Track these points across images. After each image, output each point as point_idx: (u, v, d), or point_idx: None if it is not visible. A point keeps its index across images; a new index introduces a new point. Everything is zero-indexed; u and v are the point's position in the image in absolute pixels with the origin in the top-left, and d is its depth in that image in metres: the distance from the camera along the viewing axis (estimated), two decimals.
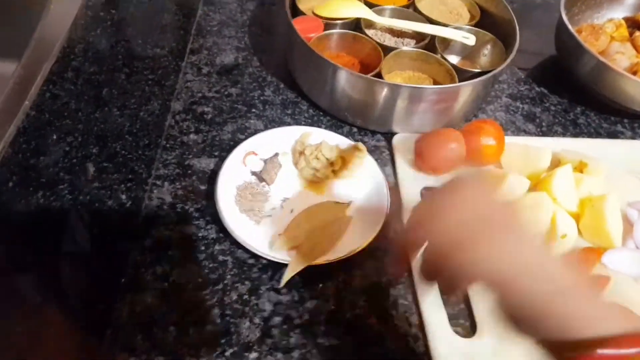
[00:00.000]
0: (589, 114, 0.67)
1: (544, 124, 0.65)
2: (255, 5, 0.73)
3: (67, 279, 0.43)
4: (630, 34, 0.70)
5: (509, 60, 0.59)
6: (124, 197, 0.49)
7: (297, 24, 0.61)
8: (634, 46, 0.68)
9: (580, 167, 0.54)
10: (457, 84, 0.56)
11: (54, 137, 0.52)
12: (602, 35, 0.66)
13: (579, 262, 0.49)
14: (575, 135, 0.64)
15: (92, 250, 0.46)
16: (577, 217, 0.52)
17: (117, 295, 0.43)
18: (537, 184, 0.53)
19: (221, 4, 0.72)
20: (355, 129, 0.60)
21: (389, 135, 0.59)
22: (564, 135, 0.64)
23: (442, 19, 0.67)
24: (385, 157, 0.58)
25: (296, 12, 0.64)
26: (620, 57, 0.65)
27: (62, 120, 0.53)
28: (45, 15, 0.66)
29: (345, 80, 0.56)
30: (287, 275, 0.44)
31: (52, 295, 0.42)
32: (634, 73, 0.62)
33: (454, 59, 0.67)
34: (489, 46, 0.66)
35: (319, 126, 0.59)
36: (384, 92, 0.56)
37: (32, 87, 0.57)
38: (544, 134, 0.63)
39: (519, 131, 0.63)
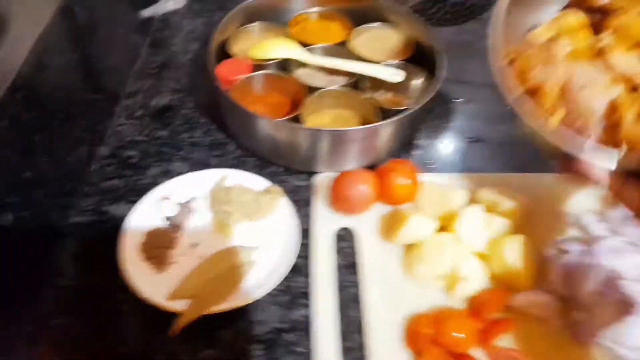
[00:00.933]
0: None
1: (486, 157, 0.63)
2: (199, 45, 0.75)
3: None
4: (595, 28, 0.46)
5: (431, 95, 0.59)
6: (34, 246, 0.50)
7: (224, 67, 0.62)
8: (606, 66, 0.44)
9: (493, 207, 0.53)
10: (369, 126, 0.56)
11: None
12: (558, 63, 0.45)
13: (482, 304, 0.48)
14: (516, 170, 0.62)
15: None
16: (487, 258, 0.51)
17: (20, 345, 0.44)
18: (447, 223, 0.52)
19: (165, 46, 0.74)
20: (281, 169, 0.60)
21: (312, 175, 0.60)
22: (504, 170, 0.62)
23: (376, 55, 0.67)
24: (307, 197, 0.58)
25: (228, 55, 0.66)
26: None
27: None
28: None
29: (263, 126, 0.57)
30: (177, 324, 0.45)
31: None
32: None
33: (387, 94, 0.67)
34: (420, 80, 0.66)
35: (245, 167, 0.60)
36: (300, 136, 0.56)
37: None
38: (479, 169, 0.62)
39: (450, 167, 0.63)
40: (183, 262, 0.50)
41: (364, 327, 0.47)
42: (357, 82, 0.64)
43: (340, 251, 0.53)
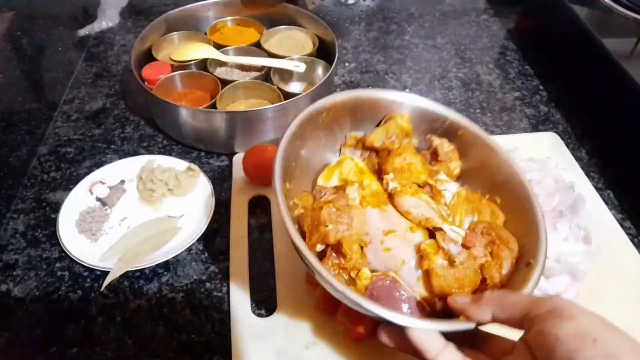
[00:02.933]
0: None
1: None
2: (129, 56, 0.83)
3: None
4: (379, 169, 0.50)
5: (325, 78, 0.68)
6: None
7: (147, 69, 0.70)
8: (395, 206, 0.46)
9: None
10: (280, 104, 0.65)
11: None
12: (349, 210, 0.44)
13: None
14: None
15: None
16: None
17: None
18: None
19: (99, 59, 0.82)
20: (203, 154, 0.68)
21: (232, 156, 0.68)
22: None
23: (286, 52, 0.77)
24: (226, 175, 0.66)
25: (154, 60, 0.74)
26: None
27: None
28: None
29: (183, 114, 0.65)
30: (107, 279, 0.52)
31: None
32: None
33: (297, 86, 0.77)
34: (320, 70, 0.75)
35: (170, 154, 0.67)
36: (216, 120, 0.64)
37: None
38: None
39: None
40: (113, 232, 0.57)
41: (275, 274, 0.55)
42: (267, 76, 0.73)
43: (255, 215, 0.61)
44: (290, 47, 0.80)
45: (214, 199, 0.60)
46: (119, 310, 0.51)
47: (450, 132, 0.52)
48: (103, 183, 0.61)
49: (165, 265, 0.55)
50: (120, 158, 0.66)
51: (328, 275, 0.38)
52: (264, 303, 0.52)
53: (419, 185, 0.49)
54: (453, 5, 1.01)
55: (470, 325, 0.35)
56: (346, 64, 0.85)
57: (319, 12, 0.81)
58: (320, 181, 0.50)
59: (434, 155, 0.52)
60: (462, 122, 0.51)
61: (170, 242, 0.56)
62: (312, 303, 0.52)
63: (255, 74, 0.75)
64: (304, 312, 0.51)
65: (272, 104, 0.71)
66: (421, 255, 0.42)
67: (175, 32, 0.78)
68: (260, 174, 0.61)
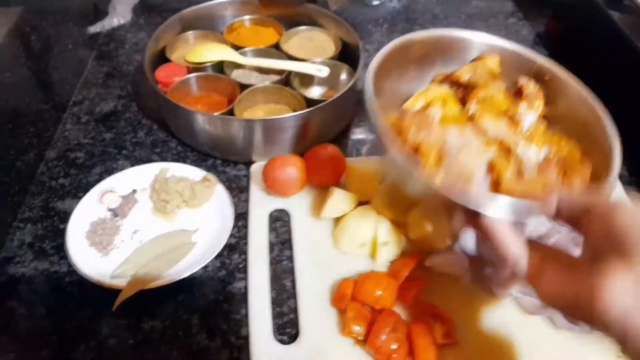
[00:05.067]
0: None
1: None
2: (142, 55, 0.80)
3: None
4: (463, 101, 0.51)
5: (350, 83, 0.65)
6: None
7: (161, 71, 0.67)
8: (477, 129, 0.48)
9: None
10: (301, 112, 0.61)
11: None
12: (431, 128, 0.47)
13: (400, 266, 0.53)
14: None
15: None
16: (406, 226, 0.56)
17: None
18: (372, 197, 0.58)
19: (110, 57, 0.79)
20: (219, 161, 0.65)
21: (249, 165, 0.64)
22: None
23: (307, 54, 0.73)
24: (244, 185, 0.63)
25: (168, 61, 0.70)
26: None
27: None
28: None
29: (199, 120, 0.61)
30: (119, 299, 0.49)
31: None
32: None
33: (318, 90, 0.73)
34: (344, 74, 0.72)
35: (185, 161, 0.64)
36: (234, 128, 0.61)
37: None
38: None
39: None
40: (125, 246, 0.54)
41: (296, 294, 0.52)
42: (288, 80, 0.70)
43: (275, 230, 0.58)
44: (311, 48, 0.76)
45: (233, 212, 0.57)
46: (131, 333, 0.48)
47: (537, 77, 0.53)
48: (114, 192, 0.58)
49: (180, 282, 0.52)
50: (132, 165, 0.63)
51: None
52: (286, 327, 0.49)
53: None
54: (479, 7, 0.97)
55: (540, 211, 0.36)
56: (357, 66, 0.81)
57: (341, 13, 0.77)
58: (406, 104, 0.51)
59: (518, 94, 0.52)
60: (551, 67, 0.52)
61: (185, 258, 0.53)
62: (338, 328, 0.49)
63: (274, 77, 0.72)
64: (329, 340, 0.48)
65: (293, 109, 0.68)
66: (492, 167, 0.44)
67: (190, 32, 0.75)
68: (281, 185, 0.58)
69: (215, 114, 0.62)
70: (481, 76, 0.52)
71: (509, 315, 0.50)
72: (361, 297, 0.50)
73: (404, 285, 0.51)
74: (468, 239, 0.57)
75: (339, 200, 0.56)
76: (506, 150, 0.46)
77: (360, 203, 0.57)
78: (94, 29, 0.83)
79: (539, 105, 0.51)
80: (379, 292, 0.50)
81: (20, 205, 0.58)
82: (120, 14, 0.85)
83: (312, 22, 0.79)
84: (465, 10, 0.96)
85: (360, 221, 0.55)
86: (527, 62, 0.53)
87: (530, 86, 0.52)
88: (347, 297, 0.50)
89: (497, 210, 0.36)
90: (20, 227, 0.56)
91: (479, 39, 0.54)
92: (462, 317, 0.50)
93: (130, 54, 0.80)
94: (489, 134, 0.47)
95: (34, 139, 0.65)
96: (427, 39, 0.53)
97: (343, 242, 0.55)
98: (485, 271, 0.54)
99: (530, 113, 0.51)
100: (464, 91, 0.52)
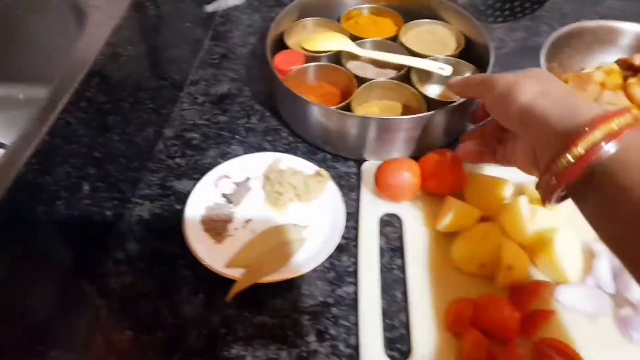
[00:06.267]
0: None
1: None
2: (256, 38, 0.77)
3: (48, 281, 0.48)
4: (625, 79, 0.64)
5: None
6: (109, 213, 0.54)
7: (279, 57, 0.64)
8: (627, 94, 0.62)
9: (539, 199, 0.52)
10: (415, 116, 0.56)
11: (60, 160, 0.58)
12: (590, 84, 0.61)
13: (526, 294, 0.47)
14: None
15: (71, 259, 0.51)
16: (532, 250, 0.50)
17: (87, 300, 0.47)
18: (494, 214, 0.52)
19: (225, 38, 0.77)
20: (329, 156, 0.62)
21: (360, 162, 0.60)
22: None
23: (426, 49, 0.67)
24: (353, 183, 0.59)
25: (285, 47, 0.67)
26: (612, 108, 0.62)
27: (70, 145, 0.60)
28: (75, 45, 0.74)
29: (315, 113, 0.58)
30: (233, 290, 0.47)
31: (30, 288, 0.48)
32: None
33: (437, 88, 0.67)
34: (469, 74, 0.65)
35: (296, 152, 0.61)
36: (350, 124, 0.57)
37: (52, 115, 0.65)
38: None
39: None
40: (238, 235, 0.52)
41: (407, 308, 0.47)
42: (406, 75, 0.64)
43: (385, 235, 0.54)
44: (430, 43, 0.70)
45: (344, 212, 0.53)
46: (241, 325, 0.46)
47: None
48: (229, 178, 0.56)
49: (290, 279, 0.49)
50: (244, 151, 0.61)
51: None
52: (396, 343, 0.45)
53: None
54: (613, 7, 0.85)
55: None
56: (487, 68, 0.74)
57: (468, 7, 0.70)
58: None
59: None
60: None
61: (296, 254, 0.50)
62: (453, 353, 0.44)
63: (390, 71, 0.66)
64: None
65: (410, 107, 0.63)
66: None
67: (308, 19, 0.71)
68: (395, 191, 0.54)
69: (333, 107, 0.58)
70: None
71: None
72: (482, 324, 0.45)
73: (528, 316, 0.46)
74: (604, 273, 0.50)
75: (458, 214, 0.50)
76: None
77: (482, 218, 0.52)
78: (211, 8, 0.81)
79: None
80: (501, 321, 0.45)
81: (139, 182, 0.58)
82: None
83: (433, 15, 0.72)
84: (598, 10, 0.84)
85: (483, 240, 0.49)
86: None
87: None
88: (464, 321, 0.45)
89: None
90: (138, 204, 0.56)
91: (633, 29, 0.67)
92: (592, 358, 0.43)
93: (244, 35, 0.77)
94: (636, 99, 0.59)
95: (152, 115, 0.65)
96: (590, 28, 0.67)
97: (461, 260, 0.50)
98: (623, 312, 0.47)
99: None
100: (631, 73, 0.64)
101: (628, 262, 0.33)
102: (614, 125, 0.33)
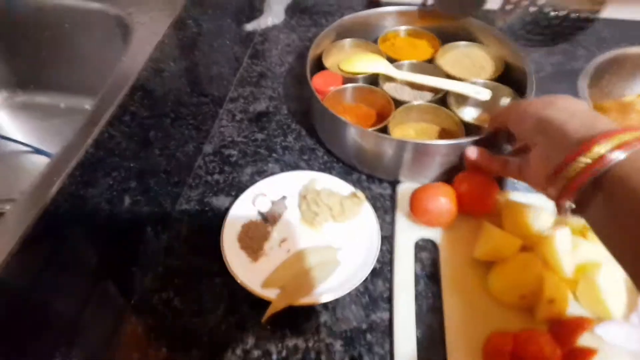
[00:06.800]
0: None
1: None
2: (293, 57, 0.78)
3: (88, 294, 0.49)
4: None
5: None
6: (149, 228, 0.54)
7: (318, 78, 0.64)
8: None
9: (582, 231, 0.50)
10: (456, 141, 0.54)
11: (103, 172, 0.59)
12: (632, 112, 0.60)
13: (568, 330, 0.45)
14: None
15: (112, 272, 0.51)
16: (573, 284, 0.48)
17: (124, 315, 0.47)
18: (533, 244, 0.50)
19: (264, 57, 0.77)
20: (364, 176, 0.61)
21: (395, 184, 0.59)
22: None
23: (463, 72, 0.66)
24: (388, 205, 0.58)
25: (322, 67, 0.67)
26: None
27: (112, 158, 0.61)
28: (120, 60, 0.76)
29: (352, 133, 0.57)
30: (268, 312, 0.46)
31: (70, 300, 0.48)
32: None
33: (473, 112, 0.66)
34: (508, 100, 0.63)
35: (331, 172, 0.61)
36: (386, 146, 0.56)
37: (96, 128, 0.66)
38: None
39: None
40: (273, 254, 0.52)
41: (444, 338, 0.46)
42: (443, 98, 0.63)
43: (421, 261, 0.53)
44: (467, 66, 0.69)
45: (379, 235, 0.52)
46: (275, 347, 0.46)
47: None
48: (265, 195, 0.56)
49: (324, 302, 0.48)
50: (281, 169, 0.61)
51: None
52: None
53: None
54: None
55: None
56: (527, 94, 0.72)
57: (506, 29, 0.68)
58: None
59: None
60: None
61: (330, 276, 0.50)
62: None
63: (427, 94, 0.65)
64: None
65: (446, 130, 0.61)
66: None
67: (347, 40, 0.71)
68: (431, 217, 0.52)
69: (370, 129, 0.57)
70: None
71: None
72: (522, 359, 0.43)
73: (570, 353, 0.44)
74: None
75: (497, 242, 0.49)
76: None
77: (521, 247, 0.50)
78: (250, 26, 0.82)
79: None
80: (543, 358, 0.43)
81: (179, 197, 0.58)
82: (274, 14, 0.83)
83: (471, 38, 0.71)
84: (637, 35, 0.82)
85: (524, 271, 0.47)
86: None
87: None
88: (504, 355, 0.43)
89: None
90: (177, 219, 0.56)
91: None
92: None
93: (282, 54, 0.78)
94: None
95: (193, 131, 0.65)
96: (633, 54, 0.65)
97: (501, 291, 0.48)
98: None
99: None
100: None
101: (636, 276, 0.33)
102: (627, 136, 0.34)
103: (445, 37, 0.71)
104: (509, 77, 0.65)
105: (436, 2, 0.68)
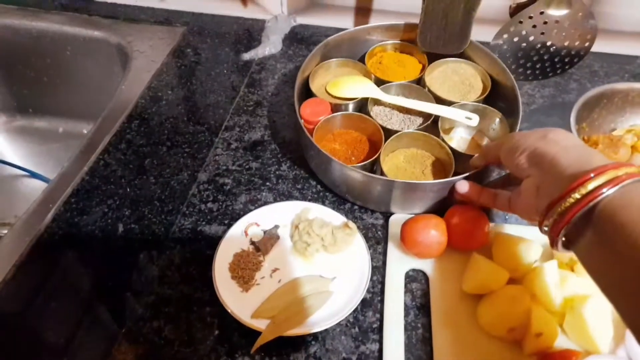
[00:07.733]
0: None
1: None
2: (289, 87, 0.80)
3: (80, 321, 0.50)
4: None
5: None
6: (141, 256, 0.55)
7: (307, 107, 0.65)
8: None
9: (570, 265, 0.51)
10: (446, 180, 0.55)
11: (98, 199, 0.60)
12: (621, 147, 0.61)
13: None
14: None
15: (104, 299, 0.52)
16: (561, 317, 0.48)
17: (115, 344, 0.48)
18: (522, 276, 0.51)
19: (260, 86, 0.80)
20: (356, 207, 0.62)
21: (388, 215, 0.61)
22: None
23: (452, 92, 0.68)
24: (380, 236, 0.59)
25: (310, 94, 0.69)
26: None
27: (107, 185, 0.62)
28: (119, 87, 0.78)
29: (338, 169, 0.58)
30: (257, 343, 0.47)
31: (62, 326, 0.49)
32: None
33: (464, 133, 0.68)
34: (497, 121, 0.65)
35: (324, 202, 0.62)
36: (374, 183, 0.57)
37: (93, 155, 0.68)
38: None
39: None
40: (264, 284, 0.52)
41: None
42: (434, 119, 0.64)
43: (411, 291, 0.53)
44: (456, 83, 0.70)
45: (370, 266, 0.53)
46: None
47: None
48: (258, 225, 0.57)
49: (314, 333, 0.49)
50: (274, 198, 0.62)
51: None
52: None
53: None
54: None
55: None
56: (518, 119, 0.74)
57: (495, 50, 0.70)
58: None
59: None
60: None
61: (321, 307, 0.50)
62: None
63: (416, 118, 0.66)
64: None
65: (437, 158, 0.63)
66: None
67: (332, 60, 0.71)
68: (421, 248, 0.53)
69: (357, 165, 0.58)
70: None
71: None
72: None
73: None
74: (636, 344, 0.48)
75: (485, 275, 0.50)
76: None
77: (510, 280, 0.51)
78: (248, 55, 0.84)
79: None
80: None
81: (172, 225, 0.59)
82: (272, 44, 0.86)
83: (459, 54, 0.72)
84: (628, 69, 0.84)
85: (512, 304, 0.48)
86: None
87: None
88: None
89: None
90: (170, 247, 0.57)
91: None
92: None
93: (279, 84, 0.80)
94: None
95: (188, 159, 0.67)
96: (621, 90, 0.67)
97: (489, 324, 0.48)
98: None
99: None
100: None
101: (626, 314, 0.33)
102: (619, 172, 0.35)
103: (435, 53, 0.71)
104: (497, 95, 0.67)
105: (419, 40, 0.70)
